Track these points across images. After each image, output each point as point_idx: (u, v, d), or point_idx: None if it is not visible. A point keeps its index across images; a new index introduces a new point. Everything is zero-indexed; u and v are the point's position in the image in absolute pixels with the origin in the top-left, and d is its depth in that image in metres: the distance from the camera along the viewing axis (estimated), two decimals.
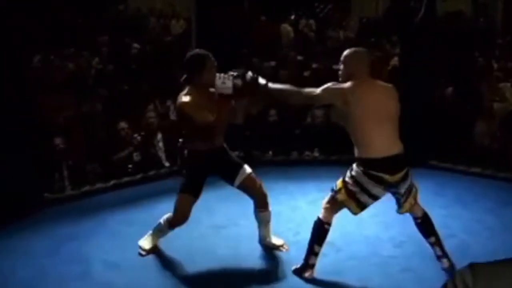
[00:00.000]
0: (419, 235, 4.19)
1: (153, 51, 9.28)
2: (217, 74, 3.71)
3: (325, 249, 4.41)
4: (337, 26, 11.15)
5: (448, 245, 3.91)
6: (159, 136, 6.77)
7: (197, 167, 4.11)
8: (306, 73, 8.63)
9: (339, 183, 3.67)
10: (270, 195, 5.23)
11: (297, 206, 5.18)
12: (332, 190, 3.71)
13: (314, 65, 8.96)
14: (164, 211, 5.13)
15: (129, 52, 8.87)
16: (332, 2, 11.66)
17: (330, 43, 10.28)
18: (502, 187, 5.85)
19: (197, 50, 4.15)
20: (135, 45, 9.01)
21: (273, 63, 8.80)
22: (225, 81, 3.63)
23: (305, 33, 10.85)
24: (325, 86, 3.58)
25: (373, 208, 4.71)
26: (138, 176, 6.14)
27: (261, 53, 9.03)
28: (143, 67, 8.38)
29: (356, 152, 3.58)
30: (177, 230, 4.74)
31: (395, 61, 8.42)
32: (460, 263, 3.59)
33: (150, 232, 4.39)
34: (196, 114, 3.80)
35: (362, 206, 3.65)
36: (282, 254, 4.32)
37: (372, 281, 3.88)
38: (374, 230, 4.72)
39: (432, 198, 5.82)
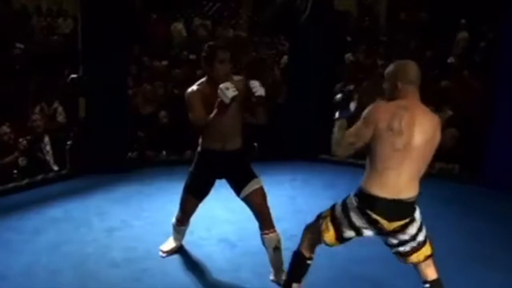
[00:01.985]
0: None
1: (39, 51, 8.90)
2: (235, 78, 3.61)
3: (220, 246, 4.45)
4: (228, 25, 11.21)
5: None
6: (46, 139, 6.50)
7: (203, 166, 3.91)
8: (199, 72, 8.61)
9: (326, 211, 3.15)
10: (164, 195, 5.21)
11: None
12: (318, 216, 3.19)
13: None
14: (53, 216, 4.98)
15: (11, 52, 8.43)
16: (220, 1, 11.69)
17: (220, 42, 10.31)
18: None
19: (212, 42, 3.94)
20: (19, 45, 8.59)
21: (165, 62, 8.71)
22: (229, 88, 3.38)
23: (197, 32, 10.83)
24: None
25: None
26: (24, 182, 5.85)
27: (152, 52, 8.92)
28: (28, 68, 8.01)
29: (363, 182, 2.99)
30: (67, 235, 4.60)
31: (285, 59, 8.62)
32: (355, 250, 3.72)
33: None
34: (190, 110, 3.67)
35: (342, 241, 3.11)
36: (180, 255, 4.27)
37: (265, 275, 3.92)
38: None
39: (322, 190, 6.04)
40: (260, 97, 3.55)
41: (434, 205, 5.28)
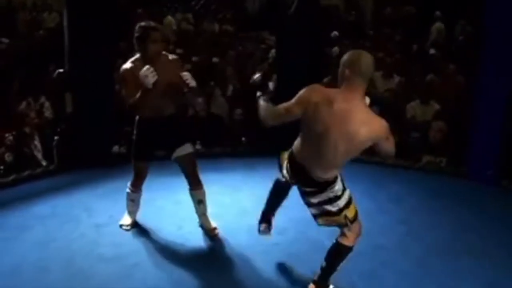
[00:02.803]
0: (301, 221, 4.34)
1: (24, 46, 8.82)
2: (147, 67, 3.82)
3: (208, 241, 4.45)
4: (214, 19, 11.18)
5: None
6: (35, 134, 6.45)
7: (142, 132, 4.25)
8: (186, 66, 8.59)
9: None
10: (151, 189, 5.19)
11: (179, 200, 5.14)
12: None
13: (194, 59, 8.94)
14: (41, 213, 4.94)
15: None
16: None
17: (206, 36, 10.31)
18: (375, 170, 6.14)
19: (144, 23, 4.10)
20: (4, 39, 8.51)
21: None
22: (148, 76, 3.77)
23: (180, 26, 10.81)
24: None
25: (254, 198, 4.83)
26: (11, 178, 5.80)
27: None
28: (13, 63, 7.93)
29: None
30: (55, 231, 4.57)
31: (273, 53, 8.61)
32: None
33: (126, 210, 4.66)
34: (122, 87, 4.09)
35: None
36: (167, 250, 4.28)
37: (256, 270, 3.94)
38: (256, 219, 4.78)
39: None
40: (192, 88, 4.03)
41: (422, 198, 5.32)
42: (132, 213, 4.66)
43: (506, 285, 3.84)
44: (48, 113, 6.97)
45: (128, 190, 4.57)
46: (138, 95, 3.89)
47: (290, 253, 4.19)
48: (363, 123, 2.95)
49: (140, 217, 4.76)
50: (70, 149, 6.32)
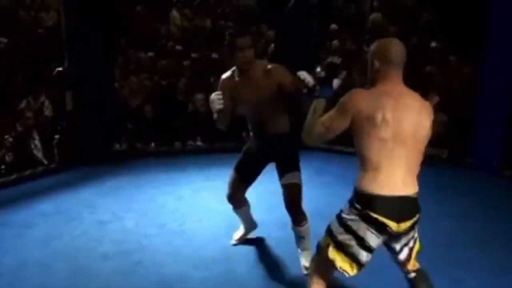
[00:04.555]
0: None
1: (24, 45, 8.77)
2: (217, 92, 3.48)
3: (212, 236, 4.42)
4: (212, 15, 11.15)
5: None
6: (35, 133, 6.44)
7: (249, 149, 3.88)
8: (185, 63, 8.57)
9: (323, 238, 2.68)
10: (154, 186, 5.18)
11: (182, 195, 5.14)
12: (317, 247, 2.73)
13: (193, 55, 8.92)
14: (43, 210, 4.94)
15: None
16: None
17: (206, 32, 10.27)
18: None
19: (232, 29, 3.84)
20: (2, 39, 8.47)
21: (151, 54, 8.65)
22: (214, 102, 3.42)
23: (181, 23, 10.76)
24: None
25: (261, 192, 4.82)
26: (13, 177, 5.80)
27: (139, 43, 8.85)
28: (13, 62, 7.89)
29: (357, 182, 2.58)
30: (58, 229, 4.57)
31: (272, 47, 8.59)
32: None
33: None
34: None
35: (358, 264, 2.58)
36: (172, 246, 4.26)
37: (261, 264, 3.93)
38: (261, 213, 4.77)
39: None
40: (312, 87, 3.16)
41: (424, 189, 5.29)
42: (245, 224, 4.29)
43: (503, 275, 3.80)
44: (48, 111, 6.94)
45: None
46: (216, 115, 3.54)
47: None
48: (422, 109, 2.61)
49: (142, 213, 4.75)
50: (71, 147, 6.32)
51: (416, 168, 2.63)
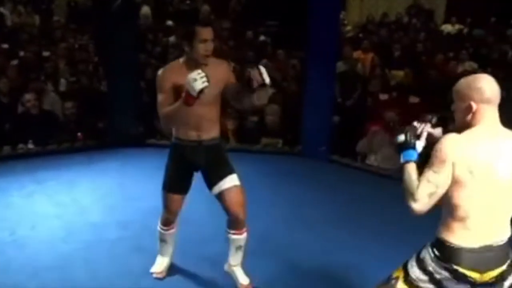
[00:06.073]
0: (144, 214, 4.29)
1: None
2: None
3: (48, 244, 4.20)
4: (42, 11, 10.68)
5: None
6: None
7: (176, 159, 3.45)
8: (13, 62, 8.06)
9: (397, 270, 2.50)
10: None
11: (11, 202, 4.83)
12: (389, 278, 2.52)
13: (21, 53, 8.48)
14: None
15: None
16: None
17: (28, 29, 9.87)
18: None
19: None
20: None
21: None
22: (197, 79, 2.89)
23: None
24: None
25: (97, 192, 4.69)
26: None
27: None
28: None
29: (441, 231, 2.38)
30: None
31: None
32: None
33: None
34: (158, 93, 3.20)
35: None
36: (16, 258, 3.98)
37: (101, 267, 3.83)
38: (98, 215, 4.65)
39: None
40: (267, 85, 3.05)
41: (259, 178, 5.51)
42: (166, 253, 3.80)
43: (333, 252, 4.13)
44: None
45: (159, 228, 3.71)
46: (174, 106, 3.11)
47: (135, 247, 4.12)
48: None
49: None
50: None
51: (509, 214, 2.40)
